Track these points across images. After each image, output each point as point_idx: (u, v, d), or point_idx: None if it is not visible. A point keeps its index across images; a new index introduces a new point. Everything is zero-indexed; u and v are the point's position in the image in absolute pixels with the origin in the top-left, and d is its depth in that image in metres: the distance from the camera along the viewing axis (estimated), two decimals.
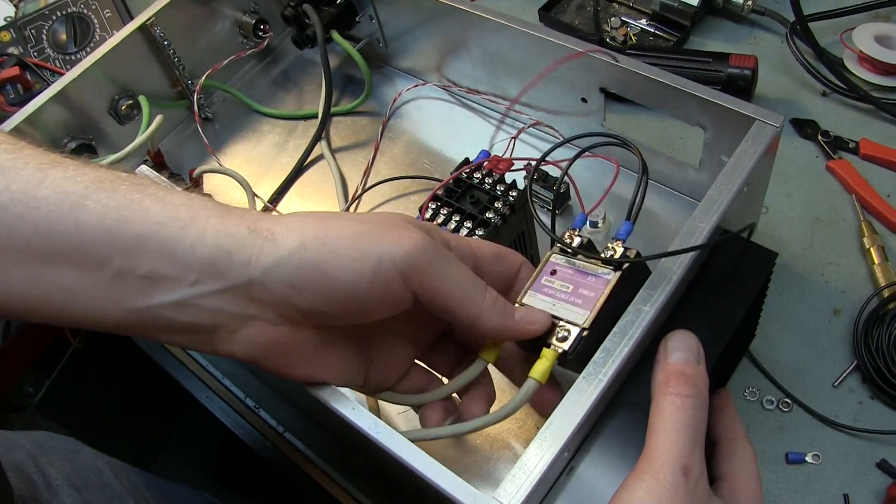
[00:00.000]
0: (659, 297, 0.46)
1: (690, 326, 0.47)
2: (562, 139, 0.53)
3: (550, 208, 0.64)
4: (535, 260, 0.61)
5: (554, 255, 0.48)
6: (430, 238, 0.41)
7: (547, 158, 0.50)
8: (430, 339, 0.50)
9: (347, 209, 0.72)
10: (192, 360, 0.71)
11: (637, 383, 0.47)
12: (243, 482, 1.32)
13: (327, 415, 0.46)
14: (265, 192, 0.76)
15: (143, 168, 0.72)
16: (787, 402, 0.58)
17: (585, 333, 0.44)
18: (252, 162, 0.80)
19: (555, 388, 0.48)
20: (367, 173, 0.76)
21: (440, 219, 0.53)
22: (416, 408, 0.50)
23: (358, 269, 0.39)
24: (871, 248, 0.63)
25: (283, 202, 0.76)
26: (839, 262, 0.65)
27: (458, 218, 0.53)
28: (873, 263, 0.62)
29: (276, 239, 0.39)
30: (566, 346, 0.44)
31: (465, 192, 0.54)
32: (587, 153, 0.48)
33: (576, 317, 0.44)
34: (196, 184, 0.72)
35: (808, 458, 0.56)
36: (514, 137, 0.58)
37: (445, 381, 0.50)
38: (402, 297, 0.41)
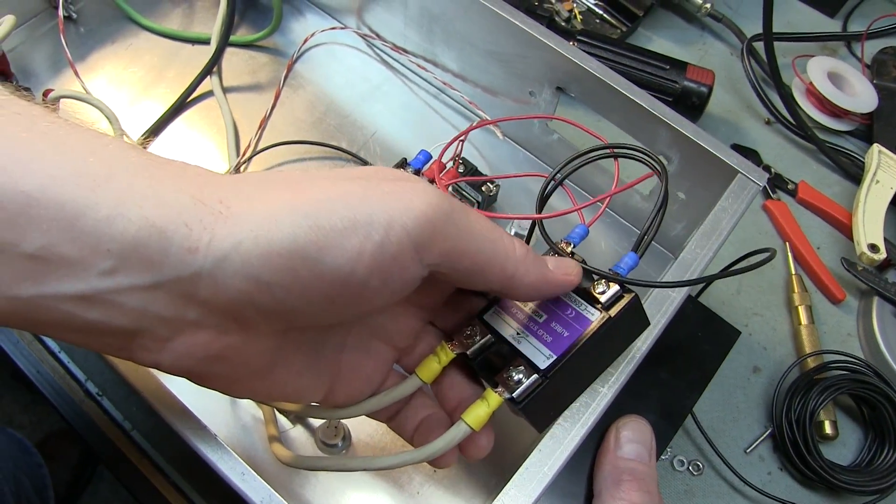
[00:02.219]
0: (619, 378, 0.39)
1: (642, 406, 0.42)
2: (579, 152, 0.40)
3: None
4: None
5: None
6: (440, 190, 0.31)
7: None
8: (411, 337, 0.39)
9: (236, 169, 0.60)
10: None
11: (570, 466, 0.41)
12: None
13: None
14: (135, 127, 0.62)
15: None
16: (697, 465, 0.54)
17: (543, 383, 0.35)
18: (122, 85, 0.66)
19: (487, 430, 0.37)
20: (262, 126, 0.64)
21: None
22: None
23: (356, 247, 0.27)
24: (800, 307, 0.60)
25: (157, 144, 0.63)
26: (764, 314, 0.61)
27: None
28: (799, 324, 0.59)
29: (234, 213, 0.27)
30: (516, 392, 0.34)
31: None
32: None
33: (539, 358, 0.35)
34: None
35: None
36: (462, 140, 0.48)
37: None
38: (413, 275, 0.30)
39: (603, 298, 0.34)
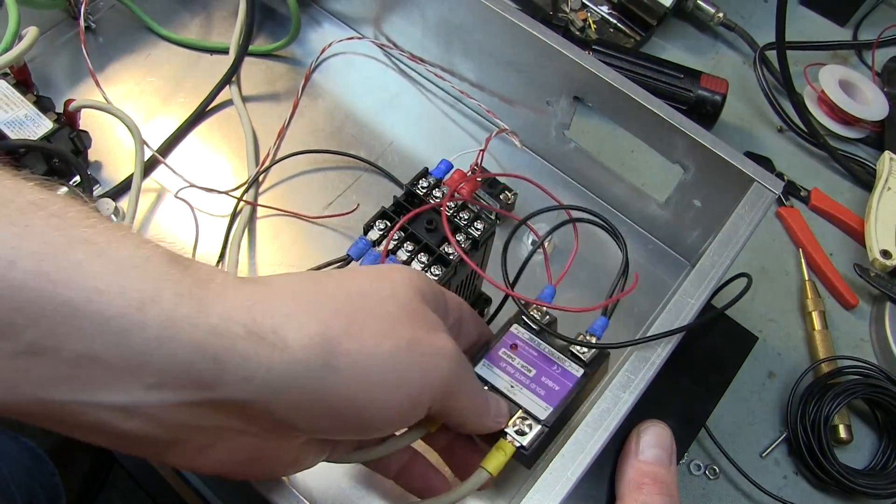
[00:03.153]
0: (640, 384, 0.40)
1: (662, 412, 0.42)
2: (547, 207, 0.47)
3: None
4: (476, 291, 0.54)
5: (516, 325, 0.43)
6: (460, 350, 0.35)
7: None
8: None
9: (255, 179, 0.61)
10: None
11: (592, 470, 0.41)
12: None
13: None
14: (155, 135, 0.63)
15: (0, 85, 0.58)
16: (714, 470, 0.55)
17: (545, 431, 0.40)
18: (141, 94, 0.67)
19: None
20: (281, 136, 0.65)
21: (390, 244, 0.44)
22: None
23: (397, 403, 0.32)
24: (814, 313, 0.60)
25: (176, 153, 0.64)
26: (778, 321, 0.62)
27: (411, 247, 0.44)
28: (813, 329, 0.60)
29: (290, 347, 0.28)
30: (525, 440, 0.39)
31: (421, 213, 0.45)
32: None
33: (538, 410, 0.40)
34: (70, 119, 0.59)
35: None
36: (483, 150, 0.49)
37: None
38: (421, 416, 0.35)
39: (586, 358, 0.41)
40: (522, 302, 0.42)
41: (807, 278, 0.63)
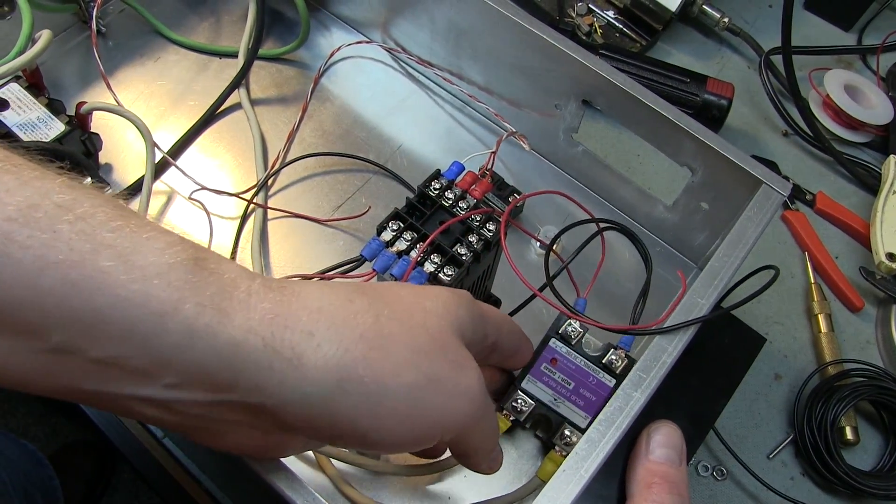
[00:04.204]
0: (651, 383, 0.41)
1: (672, 412, 0.43)
2: (580, 220, 0.49)
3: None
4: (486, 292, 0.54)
5: (554, 339, 0.45)
6: (484, 390, 0.35)
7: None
8: None
9: (265, 182, 0.62)
10: None
11: (602, 469, 0.42)
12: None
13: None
14: (165, 137, 0.64)
15: (13, 87, 0.59)
16: (721, 471, 0.55)
17: None
18: (151, 97, 0.67)
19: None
20: (290, 139, 0.65)
21: (403, 245, 0.44)
22: None
23: (402, 433, 0.32)
24: (819, 315, 0.61)
25: (187, 156, 0.64)
26: (784, 323, 0.62)
27: (424, 248, 0.44)
28: (819, 332, 0.60)
29: (305, 366, 0.29)
30: (570, 450, 0.41)
31: (433, 214, 0.46)
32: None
33: (579, 420, 0.43)
34: (81, 121, 0.59)
35: None
36: (494, 152, 0.50)
37: None
38: (430, 446, 0.35)
39: (618, 371, 0.45)
40: (571, 320, 0.45)
41: (812, 281, 0.63)
